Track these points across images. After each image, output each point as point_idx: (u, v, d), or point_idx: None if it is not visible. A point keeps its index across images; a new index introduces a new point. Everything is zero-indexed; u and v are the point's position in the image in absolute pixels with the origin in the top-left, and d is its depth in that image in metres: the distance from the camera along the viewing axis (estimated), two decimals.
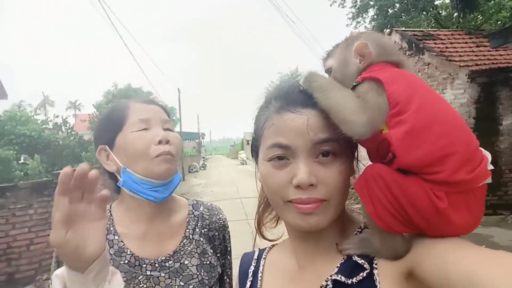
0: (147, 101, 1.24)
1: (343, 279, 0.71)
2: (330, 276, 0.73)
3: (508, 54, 8.39)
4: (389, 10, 14.89)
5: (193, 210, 1.29)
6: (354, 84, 0.72)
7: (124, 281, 1.05)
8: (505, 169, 7.98)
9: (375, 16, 15.18)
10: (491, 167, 0.65)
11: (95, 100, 26.79)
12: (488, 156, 0.66)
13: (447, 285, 0.55)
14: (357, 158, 0.82)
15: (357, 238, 0.76)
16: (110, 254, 1.11)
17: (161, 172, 1.12)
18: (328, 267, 0.75)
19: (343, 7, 16.50)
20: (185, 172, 24.99)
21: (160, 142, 1.12)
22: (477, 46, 9.21)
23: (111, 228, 1.16)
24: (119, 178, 1.15)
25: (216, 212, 1.34)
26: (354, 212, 0.89)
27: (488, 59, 8.51)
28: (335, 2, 17.13)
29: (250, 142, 0.91)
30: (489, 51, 8.70)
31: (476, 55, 8.74)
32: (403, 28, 11.32)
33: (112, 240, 1.14)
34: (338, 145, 0.72)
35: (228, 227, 1.34)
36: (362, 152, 0.80)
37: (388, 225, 0.65)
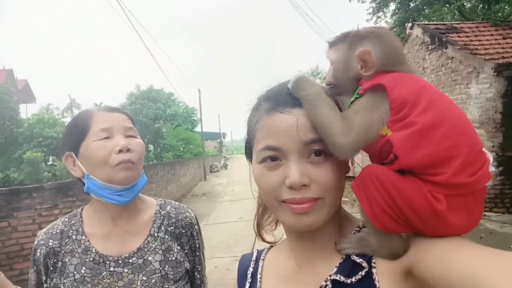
0: (110, 109, 1.30)
1: (342, 278, 0.71)
2: (329, 276, 0.73)
3: None
4: (411, 3, 14.46)
5: (160, 210, 1.37)
6: (355, 96, 0.70)
7: (89, 277, 1.19)
8: None
9: (396, 10, 14.77)
10: (492, 169, 0.64)
11: (118, 102, 27.30)
12: (490, 157, 0.64)
13: (447, 284, 0.55)
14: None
15: (355, 237, 0.75)
16: (78, 252, 1.23)
17: (121, 179, 1.19)
18: (326, 266, 0.76)
19: (363, 2, 16.16)
20: (207, 172, 25.23)
21: (120, 151, 1.19)
22: (504, 38, 8.87)
23: (80, 229, 1.27)
24: (85, 183, 1.23)
25: (183, 211, 1.40)
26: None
27: None
28: None
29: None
30: None
31: (502, 48, 8.42)
32: (426, 22, 11.02)
33: (80, 240, 1.25)
34: None
35: (196, 225, 1.41)
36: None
37: (385, 225, 0.65)
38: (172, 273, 1.25)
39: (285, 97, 0.76)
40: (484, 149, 0.64)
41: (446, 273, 0.56)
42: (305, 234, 0.79)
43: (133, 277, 1.21)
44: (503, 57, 7.94)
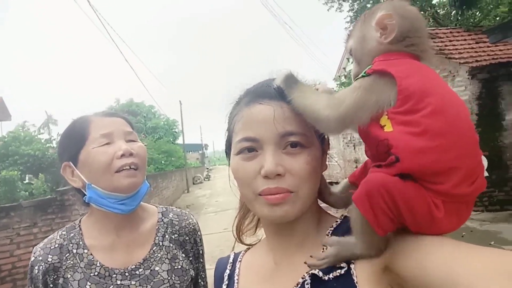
0: (108, 114, 1.27)
1: (320, 274, 0.70)
2: (307, 272, 0.72)
3: (508, 49, 8.36)
4: None
5: (163, 217, 1.33)
6: (362, 74, 0.67)
7: None
8: (510, 164, 7.90)
9: None
10: (486, 174, 0.64)
11: None
12: (485, 163, 0.64)
13: (425, 281, 0.55)
14: (326, 153, 0.82)
15: (329, 256, 0.70)
16: (81, 267, 1.16)
17: (125, 186, 1.14)
18: (304, 263, 0.74)
19: (340, 11, 16.56)
20: (190, 184, 25.01)
21: (122, 155, 1.14)
22: (477, 43, 9.19)
23: (80, 242, 1.20)
24: (86, 193, 1.17)
25: (185, 218, 1.37)
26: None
27: (488, 55, 8.48)
28: (332, 7, 17.21)
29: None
30: (488, 46, 8.68)
31: (475, 52, 8.71)
32: None
33: (82, 253, 1.18)
34: (305, 138, 0.73)
35: (198, 231, 1.38)
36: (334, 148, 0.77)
37: (387, 230, 0.63)
38: (178, 282, 1.21)
39: (264, 89, 0.78)
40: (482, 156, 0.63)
41: (424, 270, 0.56)
42: (282, 229, 0.80)
43: None
44: (477, 61, 8.21)
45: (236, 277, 0.88)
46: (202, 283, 1.35)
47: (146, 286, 1.16)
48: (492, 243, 5.50)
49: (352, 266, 0.69)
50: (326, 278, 0.69)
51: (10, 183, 10.08)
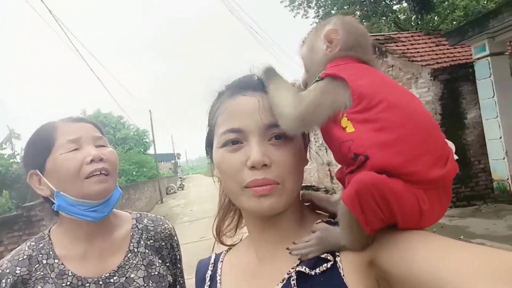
0: (75, 119, 1.21)
1: (307, 270, 0.69)
2: (293, 268, 0.71)
3: (466, 51, 8.74)
4: None
5: (137, 224, 1.29)
6: (316, 79, 0.70)
7: None
8: (474, 161, 8.24)
9: None
10: (456, 157, 0.65)
11: None
12: (452, 147, 0.66)
13: (410, 276, 0.56)
14: (307, 147, 0.84)
15: (313, 239, 0.71)
16: (52, 278, 1.10)
17: (95, 192, 1.10)
18: (288, 258, 0.74)
19: (306, 18, 16.89)
20: (163, 194, 24.56)
21: (92, 161, 1.10)
22: (437, 45, 9.57)
23: (51, 252, 1.14)
24: (54, 201, 1.12)
25: (161, 223, 1.34)
26: None
27: (448, 57, 8.84)
28: (298, 13, 17.61)
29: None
30: (448, 49, 9.04)
31: (436, 54, 9.06)
32: None
33: (52, 264, 1.13)
34: None
35: (175, 236, 1.35)
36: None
37: (375, 227, 0.64)
38: None
39: (248, 81, 0.78)
40: (446, 140, 0.65)
41: (409, 266, 0.56)
42: (266, 224, 0.79)
43: None
44: (438, 63, 8.54)
45: (218, 277, 0.86)
46: None
47: None
48: (462, 237, 5.71)
49: (338, 259, 0.68)
50: (313, 273, 0.68)
51: None
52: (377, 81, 0.66)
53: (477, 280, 0.48)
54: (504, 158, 7.46)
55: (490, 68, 7.44)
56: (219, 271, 0.88)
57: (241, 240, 0.95)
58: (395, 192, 0.60)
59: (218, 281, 0.85)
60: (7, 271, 1.10)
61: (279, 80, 0.75)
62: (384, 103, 0.62)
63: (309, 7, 17.59)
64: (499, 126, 7.44)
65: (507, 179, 7.48)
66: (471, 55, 8.00)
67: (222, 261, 0.91)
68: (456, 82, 8.35)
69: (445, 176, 0.61)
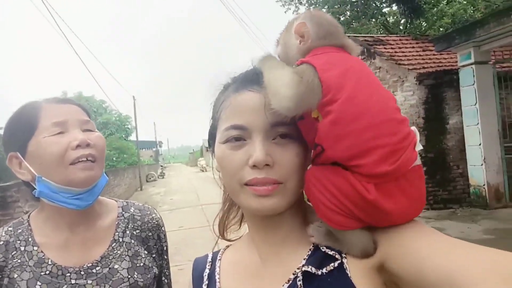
0: (62, 100, 1.15)
1: (313, 270, 0.68)
2: (299, 268, 0.69)
3: (452, 58, 8.92)
4: (341, 17, 15.47)
5: (123, 212, 1.23)
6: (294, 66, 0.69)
7: None
8: (453, 165, 8.47)
9: None
10: (420, 147, 0.65)
11: None
12: (417, 135, 0.65)
13: (423, 280, 0.55)
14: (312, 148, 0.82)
15: (324, 228, 0.71)
16: (30, 266, 1.04)
17: (81, 180, 1.04)
18: (293, 257, 0.73)
19: (297, 14, 16.93)
20: (143, 182, 24.32)
21: (78, 146, 1.04)
22: (424, 50, 9.74)
23: (30, 239, 1.08)
24: (35, 187, 1.06)
25: (148, 212, 1.28)
26: None
27: (434, 62, 9.02)
28: (289, 9, 17.68)
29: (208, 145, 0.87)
30: (434, 54, 9.22)
31: (423, 59, 9.23)
32: (355, 34, 11.75)
33: (31, 251, 1.06)
34: (295, 129, 0.71)
35: (162, 226, 1.30)
36: None
37: (337, 222, 0.64)
38: (141, 280, 1.13)
39: (254, 77, 0.74)
40: (412, 128, 0.65)
41: (421, 269, 0.55)
42: (267, 223, 0.77)
43: None
44: (424, 67, 8.71)
45: (217, 276, 0.84)
46: (166, 280, 1.28)
47: (104, 285, 1.07)
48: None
49: (345, 260, 0.67)
50: (320, 273, 0.67)
51: None
52: (346, 71, 0.64)
53: (488, 285, 0.48)
54: (482, 165, 7.70)
55: (474, 76, 7.64)
56: (217, 269, 0.86)
57: (239, 237, 0.92)
58: (332, 181, 0.62)
59: (217, 280, 0.83)
60: None
61: (275, 60, 0.73)
62: (345, 95, 0.61)
63: (301, 3, 17.66)
64: (479, 133, 7.66)
65: (484, 185, 7.73)
66: (456, 62, 8.19)
67: (220, 259, 0.89)
68: (440, 88, 8.54)
69: (394, 171, 0.60)
